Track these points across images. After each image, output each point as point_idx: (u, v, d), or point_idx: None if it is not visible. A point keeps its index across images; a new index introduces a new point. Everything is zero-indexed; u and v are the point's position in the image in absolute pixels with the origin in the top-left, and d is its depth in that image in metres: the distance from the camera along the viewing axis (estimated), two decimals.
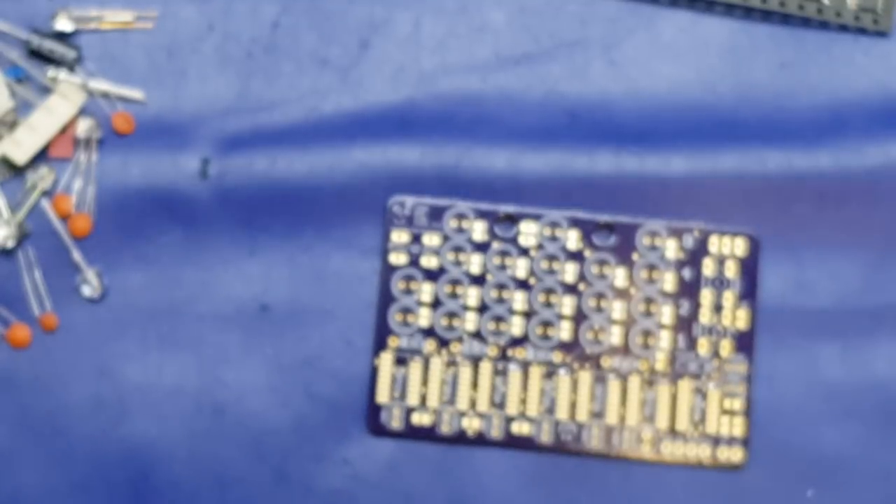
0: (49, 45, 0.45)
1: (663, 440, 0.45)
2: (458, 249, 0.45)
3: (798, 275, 0.46)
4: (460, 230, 0.46)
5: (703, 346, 0.45)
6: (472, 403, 0.45)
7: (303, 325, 0.45)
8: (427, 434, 0.45)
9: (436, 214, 0.46)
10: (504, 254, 0.45)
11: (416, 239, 0.45)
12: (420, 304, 0.45)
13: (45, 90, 0.46)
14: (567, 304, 0.45)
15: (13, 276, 0.45)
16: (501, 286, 0.45)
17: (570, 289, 0.45)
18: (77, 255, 0.45)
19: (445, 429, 0.45)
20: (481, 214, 0.46)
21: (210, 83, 0.46)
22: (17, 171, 0.45)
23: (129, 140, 0.46)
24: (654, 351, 0.45)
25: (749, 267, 0.46)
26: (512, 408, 0.45)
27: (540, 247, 0.46)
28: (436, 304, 0.45)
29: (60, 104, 0.45)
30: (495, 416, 0.45)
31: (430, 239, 0.45)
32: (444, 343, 0.45)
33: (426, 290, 0.45)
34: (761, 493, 0.45)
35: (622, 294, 0.45)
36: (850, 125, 0.46)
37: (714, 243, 0.46)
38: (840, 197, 0.46)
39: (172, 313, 0.45)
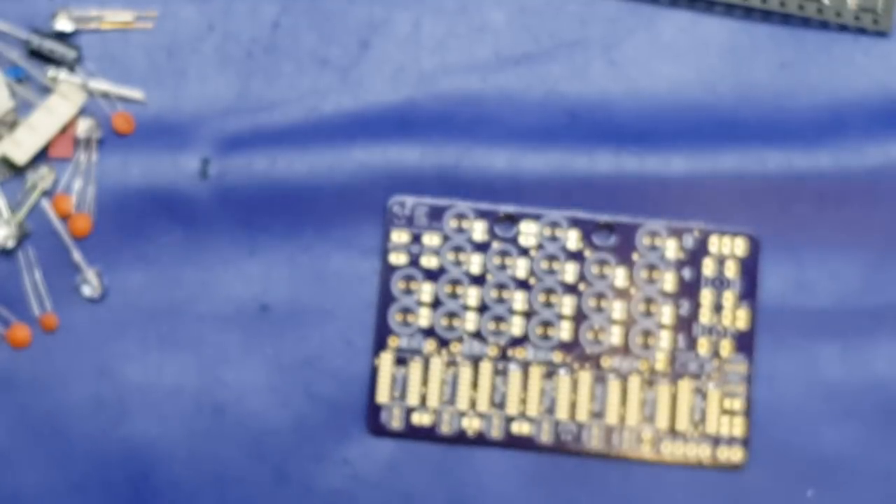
0: (49, 45, 0.45)
1: (663, 440, 0.45)
2: (458, 249, 0.45)
3: (798, 275, 0.46)
4: (460, 230, 0.46)
5: (703, 346, 0.45)
6: (472, 403, 0.45)
7: (303, 325, 0.45)
8: (427, 434, 0.45)
9: (436, 214, 0.46)
10: (504, 254, 0.45)
11: (416, 239, 0.45)
12: (420, 304, 0.45)
13: (45, 90, 0.46)
14: (567, 304, 0.45)
15: (13, 276, 0.45)
16: (501, 286, 0.45)
17: (570, 289, 0.45)
18: (77, 255, 0.45)
19: (445, 429, 0.45)
20: (481, 214, 0.46)
21: (210, 83, 0.46)
22: (17, 171, 0.45)
23: (129, 140, 0.46)
24: (654, 351, 0.45)
25: (749, 267, 0.46)
26: (512, 408, 0.45)
27: (540, 247, 0.46)
28: (436, 304, 0.45)
29: (60, 104, 0.45)
30: (495, 416, 0.45)
31: (430, 239, 0.45)
32: (444, 343, 0.45)
33: (426, 290, 0.45)
34: (761, 493, 0.45)
35: (622, 294, 0.45)
36: (850, 125, 0.46)
37: (714, 243, 0.46)
38: (840, 197, 0.46)
39: (172, 313, 0.45)
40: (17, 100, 0.45)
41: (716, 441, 0.45)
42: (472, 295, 0.45)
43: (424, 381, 0.45)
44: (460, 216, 0.46)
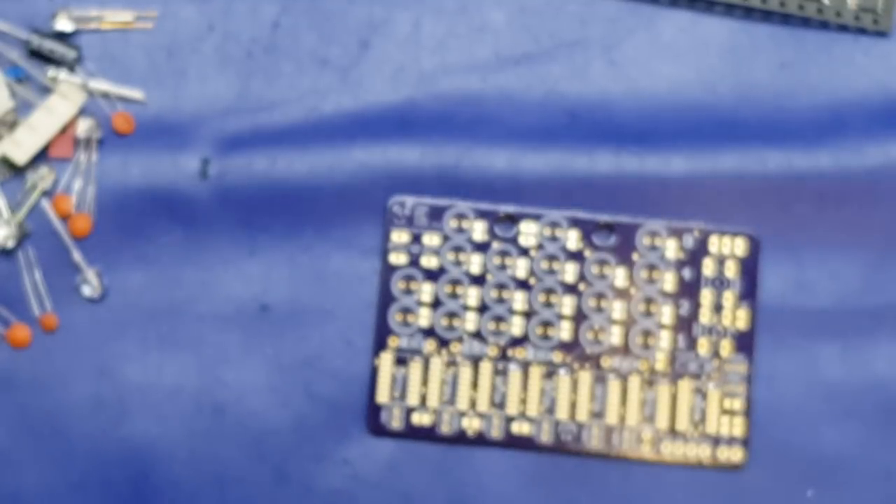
0: (49, 45, 0.45)
1: (663, 440, 0.45)
2: (458, 249, 0.45)
3: (798, 275, 0.46)
4: (460, 230, 0.46)
5: (703, 346, 0.45)
6: (472, 403, 0.45)
7: (303, 325, 0.45)
8: (427, 434, 0.45)
9: (436, 214, 0.46)
10: (504, 254, 0.45)
11: (416, 239, 0.45)
12: (420, 304, 0.45)
13: (45, 90, 0.46)
14: (567, 304, 0.45)
15: (13, 276, 0.45)
16: (501, 286, 0.45)
17: (570, 289, 0.45)
18: (77, 255, 0.45)
19: (445, 429, 0.45)
20: (481, 214, 0.46)
21: (210, 83, 0.46)
22: (17, 171, 0.45)
23: (129, 140, 0.46)
24: (654, 351, 0.45)
25: (749, 267, 0.46)
26: (512, 408, 0.45)
27: (540, 247, 0.46)
28: (436, 304, 0.45)
29: (60, 104, 0.45)
30: (495, 416, 0.45)
31: (430, 239, 0.45)
32: (444, 343, 0.45)
33: (426, 290, 0.45)
34: (761, 493, 0.45)
35: (622, 294, 0.45)
36: (850, 125, 0.46)
37: (714, 243, 0.46)
38: (840, 197, 0.46)
39: (172, 313, 0.45)
40: (17, 100, 0.45)
41: (716, 441, 0.45)
42: (472, 295, 0.45)
43: (424, 381, 0.45)
44: (460, 216, 0.46)
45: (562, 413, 0.45)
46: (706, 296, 0.45)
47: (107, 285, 0.45)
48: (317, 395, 0.45)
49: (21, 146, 0.45)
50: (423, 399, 0.45)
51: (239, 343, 0.45)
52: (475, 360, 0.45)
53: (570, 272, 0.45)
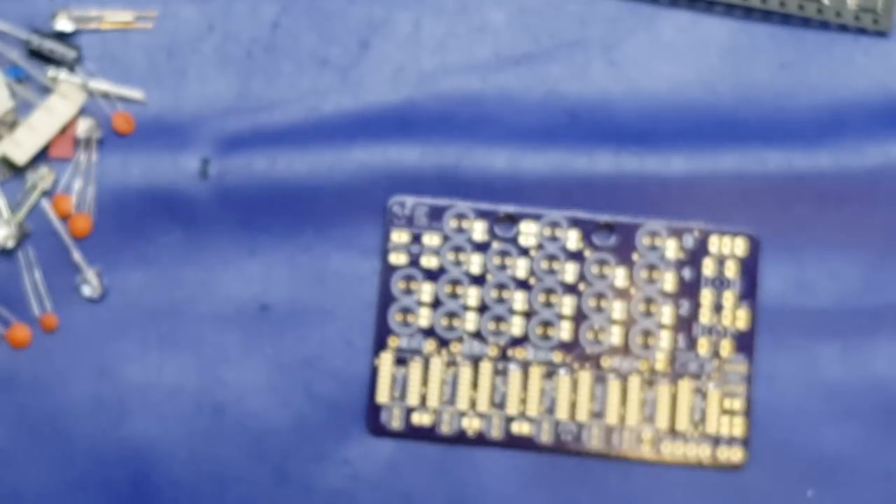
0: (49, 45, 0.45)
1: (663, 440, 0.45)
2: (458, 249, 0.45)
3: (798, 275, 0.46)
4: (460, 230, 0.46)
5: (703, 346, 0.45)
6: (472, 403, 0.45)
7: (303, 325, 0.45)
8: (427, 434, 0.45)
9: (436, 214, 0.46)
10: (504, 254, 0.45)
11: (416, 239, 0.45)
12: (420, 304, 0.45)
13: (45, 90, 0.46)
14: (567, 304, 0.45)
15: (13, 276, 0.45)
16: (501, 286, 0.45)
17: (570, 289, 0.45)
18: (77, 255, 0.45)
19: (445, 429, 0.45)
20: (481, 214, 0.46)
21: (210, 83, 0.46)
22: (17, 171, 0.45)
23: (129, 140, 0.46)
24: (654, 351, 0.45)
25: (749, 267, 0.46)
26: (512, 408, 0.45)
27: (540, 247, 0.46)
28: (436, 304, 0.45)
29: (60, 104, 0.45)
30: (495, 416, 0.45)
31: (430, 239, 0.45)
32: (444, 343, 0.45)
33: (426, 290, 0.45)
34: (761, 493, 0.45)
35: (622, 294, 0.45)
36: (850, 125, 0.46)
37: (714, 243, 0.46)
38: (840, 197, 0.46)
39: (172, 313, 0.45)
40: (17, 100, 0.45)
41: (716, 441, 0.45)
42: (472, 295, 0.45)
43: (424, 381, 0.45)
44: (460, 216, 0.46)
45: (562, 413, 0.45)
46: (706, 296, 0.45)
47: (107, 285, 0.45)
48: (317, 395, 0.45)
49: (21, 146, 0.45)
50: (423, 399, 0.45)
51: (239, 343, 0.45)
52: (475, 360, 0.45)
53: (570, 272, 0.45)
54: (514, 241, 0.46)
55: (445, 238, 0.45)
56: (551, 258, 0.45)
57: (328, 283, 0.45)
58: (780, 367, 0.45)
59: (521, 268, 0.45)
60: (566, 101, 0.46)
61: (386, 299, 0.45)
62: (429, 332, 0.45)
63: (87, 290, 0.45)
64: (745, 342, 0.45)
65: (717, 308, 0.45)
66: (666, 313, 0.45)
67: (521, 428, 0.45)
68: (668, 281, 0.45)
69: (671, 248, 0.46)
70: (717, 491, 0.45)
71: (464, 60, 0.46)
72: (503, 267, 0.45)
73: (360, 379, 0.45)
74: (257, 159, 0.45)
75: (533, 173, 0.46)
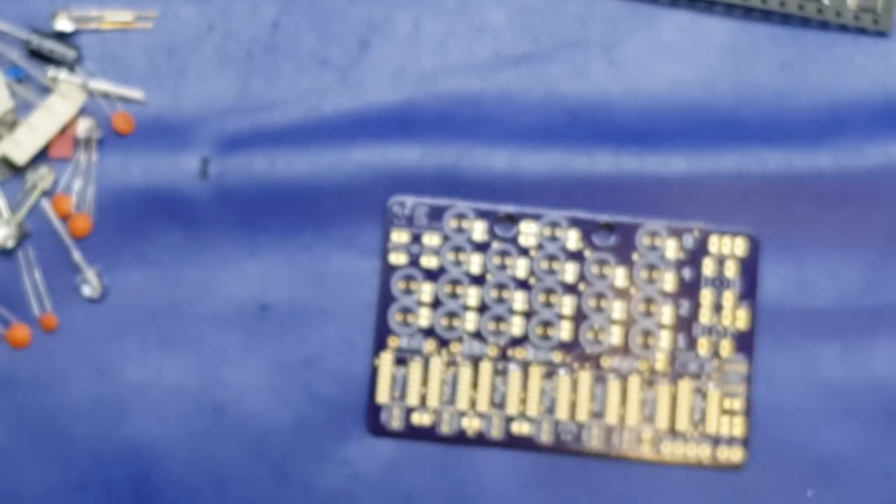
0: (49, 45, 0.45)
1: (663, 440, 0.45)
2: (458, 249, 0.45)
3: (798, 275, 0.46)
4: (460, 230, 0.46)
5: (703, 346, 0.45)
6: (472, 403, 0.45)
7: (303, 325, 0.45)
8: (427, 434, 0.45)
9: (436, 214, 0.46)
10: (504, 254, 0.45)
11: (416, 239, 0.45)
12: (420, 304, 0.45)
13: (45, 90, 0.46)
14: (567, 304, 0.45)
15: (13, 276, 0.45)
16: (501, 286, 0.45)
17: (570, 289, 0.45)
18: (77, 255, 0.45)
19: (445, 429, 0.45)
20: (481, 214, 0.46)
21: (210, 83, 0.46)
22: (17, 171, 0.45)
23: (129, 140, 0.46)
24: (654, 351, 0.45)
25: (749, 267, 0.46)
26: (512, 408, 0.45)
27: (540, 247, 0.46)
28: (436, 304, 0.45)
29: (60, 104, 0.45)
30: (495, 416, 0.45)
31: (430, 239, 0.45)
32: (444, 343, 0.45)
33: (426, 290, 0.45)
34: (761, 493, 0.45)
35: (622, 294, 0.45)
36: (850, 125, 0.46)
37: (714, 243, 0.46)
38: (840, 197, 0.46)
39: (172, 313, 0.45)
40: (17, 100, 0.45)
41: (716, 441, 0.45)
42: (472, 295, 0.45)
43: (424, 381, 0.45)
44: (460, 216, 0.46)
45: (562, 413, 0.45)
46: (706, 296, 0.45)
47: (107, 285, 0.45)
48: (317, 395, 0.45)
49: (21, 146, 0.45)
50: (423, 399, 0.45)
51: (239, 343, 0.45)
52: (475, 360, 0.45)
53: (570, 272, 0.45)
54: (514, 241, 0.46)
55: (445, 238, 0.45)
56: (551, 258, 0.45)
57: (328, 283, 0.45)
58: (780, 367, 0.45)
59: (521, 268, 0.45)
60: (566, 101, 0.46)
61: (386, 299, 0.45)
62: (429, 332, 0.45)
63: (87, 290, 0.45)
64: (745, 342, 0.45)
65: (717, 308, 0.45)
66: (666, 313, 0.45)
67: (521, 428, 0.45)
68: (668, 281, 0.45)
69: (671, 248, 0.46)
70: (717, 491, 0.45)
71: (464, 60, 0.46)
72: (503, 267, 0.45)
73: (360, 379, 0.45)
74: (257, 159, 0.45)
75: (533, 173, 0.46)
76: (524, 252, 0.45)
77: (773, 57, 0.47)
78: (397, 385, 0.45)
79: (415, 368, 0.45)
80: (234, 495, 0.45)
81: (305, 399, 0.45)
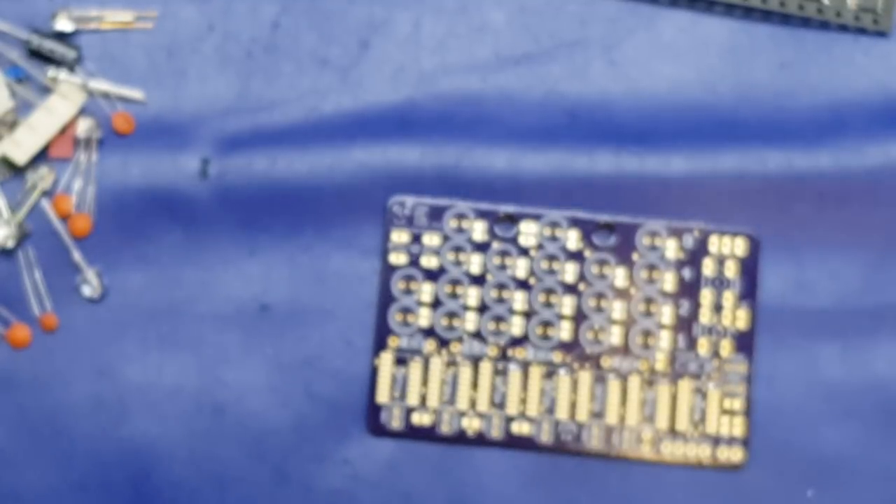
0: (49, 45, 0.45)
1: (663, 440, 0.45)
2: (458, 249, 0.45)
3: (798, 275, 0.46)
4: (460, 230, 0.46)
5: (703, 346, 0.45)
6: (472, 403, 0.45)
7: (303, 325, 0.45)
8: (427, 434, 0.45)
9: (436, 214, 0.46)
10: (504, 254, 0.45)
11: (416, 239, 0.45)
12: (420, 304, 0.45)
13: (45, 90, 0.46)
14: (567, 304, 0.45)
15: (13, 276, 0.45)
16: (501, 286, 0.45)
17: (570, 289, 0.45)
18: (77, 255, 0.45)
19: (445, 429, 0.45)
20: (481, 214, 0.46)
21: (210, 83, 0.46)
22: (17, 171, 0.45)
23: (129, 140, 0.46)
24: (654, 351, 0.45)
25: (749, 267, 0.46)
26: (512, 408, 0.45)
27: (540, 247, 0.46)
28: (436, 304, 0.45)
29: (60, 104, 0.45)
30: (495, 416, 0.45)
31: (430, 239, 0.45)
32: (444, 343, 0.45)
33: (426, 290, 0.45)
34: (761, 493, 0.45)
35: (622, 294, 0.45)
36: (850, 125, 0.46)
37: (714, 243, 0.46)
38: (840, 197, 0.46)
39: (172, 313, 0.45)
40: (17, 100, 0.45)
41: (716, 441, 0.45)
42: (472, 295, 0.45)
43: (424, 381, 0.45)
44: (460, 216, 0.46)
45: (562, 413, 0.45)
46: (706, 296, 0.45)
47: (107, 285, 0.45)
48: (317, 395, 0.45)
49: (21, 146, 0.45)
50: (423, 399, 0.45)
51: (239, 343, 0.45)
52: (475, 360, 0.45)
53: (570, 272, 0.45)
54: (514, 241, 0.46)
55: (445, 238, 0.45)
56: (551, 258, 0.45)
57: (328, 283, 0.45)
58: (780, 367, 0.45)
59: (521, 268, 0.45)
60: (566, 101, 0.46)
61: (386, 299, 0.45)
62: (429, 332, 0.45)
63: (87, 290, 0.45)
64: (745, 342, 0.45)
65: (717, 308, 0.45)
66: (666, 313, 0.45)
67: (521, 428, 0.45)
68: (668, 281, 0.45)
69: (671, 248, 0.46)
70: (717, 491, 0.45)
71: (464, 60, 0.46)
72: (503, 267, 0.45)
73: (360, 379, 0.45)
74: (257, 159, 0.45)
75: (533, 173, 0.46)
76: (524, 252, 0.45)
77: (773, 57, 0.47)
78: (397, 385, 0.45)
79: (415, 368, 0.45)
80: (234, 495, 0.45)
81: (305, 399, 0.45)
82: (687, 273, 0.46)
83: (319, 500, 0.45)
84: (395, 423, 0.45)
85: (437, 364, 0.45)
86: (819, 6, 0.46)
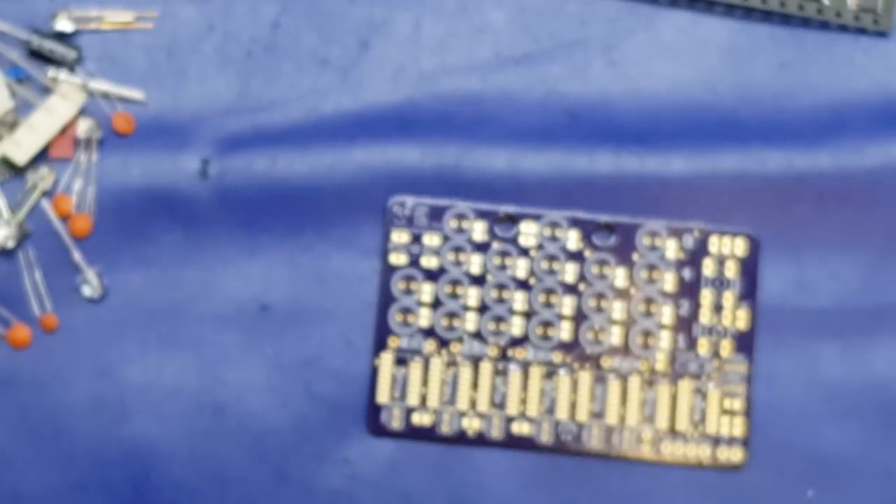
0: (49, 46, 0.45)
1: (663, 440, 0.45)
2: (458, 249, 0.45)
3: (798, 275, 0.46)
4: (460, 230, 0.46)
5: (703, 346, 0.45)
6: (472, 403, 0.45)
7: (303, 325, 0.45)
8: (427, 434, 0.45)
9: (436, 214, 0.46)
10: (504, 254, 0.45)
11: (416, 239, 0.45)
12: (420, 304, 0.45)
13: (45, 90, 0.46)
14: (567, 305, 0.45)
15: (13, 276, 0.45)
16: (501, 286, 0.45)
17: (570, 289, 0.45)
18: (77, 255, 0.45)
19: (445, 429, 0.45)
20: (481, 214, 0.46)
21: (210, 83, 0.46)
22: (17, 171, 0.45)
23: (129, 140, 0.46)
24: (654, 351, 0.45)
25: (749, 267, 0.46)
26: (512, 408, 0.45)
27: (540, 247, 0.46)
28: (436, 304, 0.45)
29: (60, 104, 0.45)
30: (495, 416, 0.45)
31: (430, 239, 0.45)
32: (444, 343, 0.45)
33: (426, 291, 0.45)
34: (761, 493, 0.45)
35: (622, 294, 0.45)
36: (850, 125, 0.46)
37: (714, 243, 0.46)
38: (840, 197, 0.46)
39: (172, 313, 0.45)
40: (17, 100, 0.45)
41: (716, 441, 0.45)
42: (472, 295, 0.45)
43: (424, 382, 0.45)
44: (460, 216, 0.46)
45: (562, 413, 0.45)
46: (706, 296, 0.45)
47: (107, 285, 0.45)
48: (317, 395, 0.45)
49: (21, 146, 0.45)
50: (423, 399, 0.45)
51: (239, 343, 0.45)
52: (475, 360, 0.45)
53: (570, 272, 0.45)
54: (514, 241, 0.46)
55: (445, 238, 0.45)
56: (551, 258, 0.45)
57: (328, 283, 0.45)
58: (780, 367, 0.45)
59: (521, 268, 0.45)
60: (566, 101, 0.46)
61: (386, 299, 0.45)
62: (429, 333, 0.45)
63: (87, 290, 0.45)
64: (745, 342, 0.45)
65: (717, 308, 0.45)
66: (666, 313, 0.45)
67: (521, 428, 0.45)
68: (668, 281, 0.45)
69: (671, 248, 0.46)
70: (717, 491, 0.45)
71: (464, 60, 0.46)
72: (503, 267, 0.45)
73: (360, 379, 0.45)
74: (257, 159, 0.45)
75: (533, 173, 0.46)
76: (524, 252, 0.45)
77: (773, 57, 0.47)
78: (397, 385, 0.45)
79: (415, 368, 0.45)
80: (234, 495, 0.45)
81: (305, 399, 0.45)
82: (687, 273, 0.46)
83: (319, 500, 0.45)
84: (396, 423, 0.45)
85: (437, 364, 0.45)
86: (819, 6, 0.46)
